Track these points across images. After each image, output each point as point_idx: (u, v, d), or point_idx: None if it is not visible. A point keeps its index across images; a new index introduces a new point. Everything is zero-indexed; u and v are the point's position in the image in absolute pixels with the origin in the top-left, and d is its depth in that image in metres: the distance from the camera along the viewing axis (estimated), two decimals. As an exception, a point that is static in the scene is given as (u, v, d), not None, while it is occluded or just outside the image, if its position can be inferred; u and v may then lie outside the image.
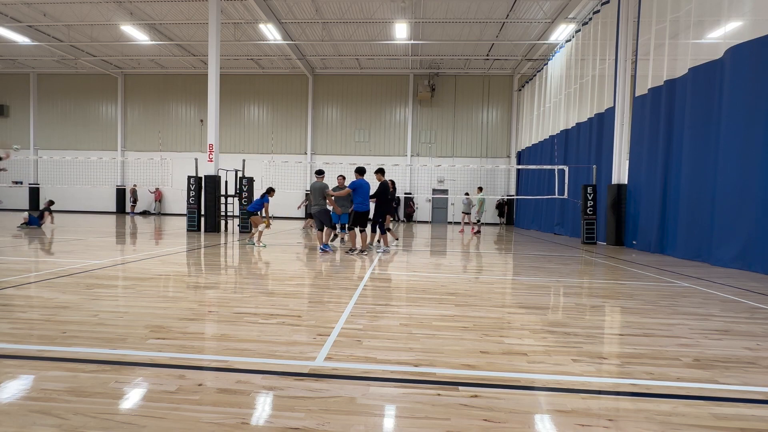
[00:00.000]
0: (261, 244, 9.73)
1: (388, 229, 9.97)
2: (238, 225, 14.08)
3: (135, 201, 25.12)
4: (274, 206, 23.57)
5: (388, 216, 9.82)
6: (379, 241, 9.78)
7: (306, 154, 24.88)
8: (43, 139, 26.14)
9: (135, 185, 25.05)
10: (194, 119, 25.53)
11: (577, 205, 13.96)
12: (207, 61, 14.78)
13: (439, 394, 2.30)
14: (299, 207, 20.96)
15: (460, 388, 2.39)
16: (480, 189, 17.11)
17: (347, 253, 8.78)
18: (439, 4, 16.46)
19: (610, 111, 12.59)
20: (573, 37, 15.92)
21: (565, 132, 16.38)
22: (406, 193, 24.03)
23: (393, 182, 11.04)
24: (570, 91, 15.94)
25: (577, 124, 15.23)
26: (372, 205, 9.27)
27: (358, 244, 9.14)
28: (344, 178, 9.74)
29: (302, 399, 2.20)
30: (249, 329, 3.37)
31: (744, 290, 5.68)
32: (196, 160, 15.06)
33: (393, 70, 24.20)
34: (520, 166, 20.34)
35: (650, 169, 10.70)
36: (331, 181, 11.64)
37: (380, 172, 9.17)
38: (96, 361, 2.63)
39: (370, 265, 7.25)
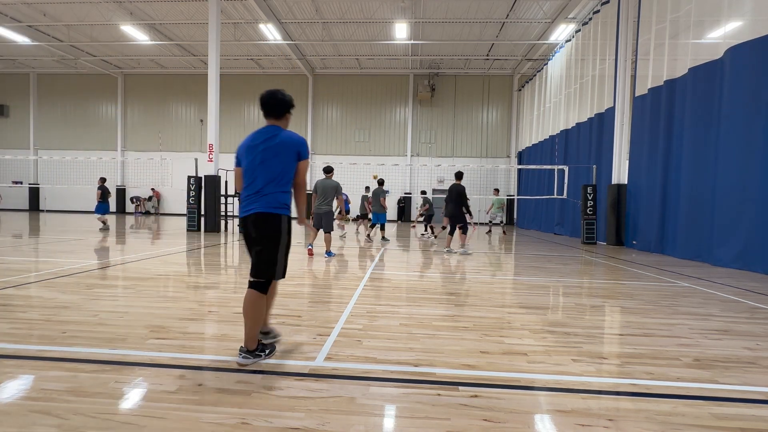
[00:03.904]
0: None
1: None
2: (238, 225, 14.06)
3: (139, 201, 25.13)
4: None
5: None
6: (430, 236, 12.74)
7: (306, 153, 24.82)
8: (43, 139, 26.12)
9: (153, 188, 25.03)
10: (194, 119, 25.52)
11: (577, 205, 13.96)
12: (207, 61, 14.78)
13: (439, 394, 2.30)
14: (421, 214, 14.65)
15: (460, 388, 2.39)
16: (496, 191, 17.04)
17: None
18: (439, 4, 16.45)
19: (610, 111, 12.59)
20: (573, 37, 15.91)
21: (565, 132, 16.37)
22: (405, 193, 24.04)
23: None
24: (570, 91, 15.93)
25: (577, 124, 15.22)
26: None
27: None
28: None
29: (302, 399, 2.20)
30: (249, 329, 3.36)
31: (744, 290, 5.68)
32: (196, 160, 15.06)
33: (393, 70, 24.18)
34: (520, 166, 20.34)
35: (650, 169, 10.70)
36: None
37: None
38: (96, 361, 2.63)
39: (372, 263, 7.25)
